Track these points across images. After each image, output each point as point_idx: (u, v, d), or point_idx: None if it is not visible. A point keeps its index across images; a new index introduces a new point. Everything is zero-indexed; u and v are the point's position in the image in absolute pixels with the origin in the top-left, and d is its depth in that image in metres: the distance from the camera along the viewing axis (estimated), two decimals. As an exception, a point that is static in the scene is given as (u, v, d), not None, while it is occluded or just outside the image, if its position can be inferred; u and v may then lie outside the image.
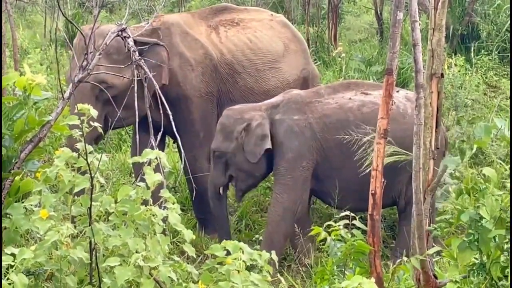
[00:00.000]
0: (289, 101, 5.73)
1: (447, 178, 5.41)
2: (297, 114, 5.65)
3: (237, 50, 6.42)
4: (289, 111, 5.67)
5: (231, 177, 5.79)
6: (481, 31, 10.42)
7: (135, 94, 5.59)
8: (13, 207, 3.46)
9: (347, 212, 4.13)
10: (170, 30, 6.18)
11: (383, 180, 3.93)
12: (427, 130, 3.64)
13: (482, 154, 7.01)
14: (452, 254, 3.56)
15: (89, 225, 3.40)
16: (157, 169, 3.59)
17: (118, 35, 5.58)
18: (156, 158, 3.56)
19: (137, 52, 5.72)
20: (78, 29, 5.29)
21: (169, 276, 3.38)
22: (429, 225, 3.69)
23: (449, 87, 7.72)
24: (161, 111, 5.68)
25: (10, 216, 3.45)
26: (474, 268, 3.46)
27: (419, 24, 3.73)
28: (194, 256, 3.75)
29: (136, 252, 3.35)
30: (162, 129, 5.63)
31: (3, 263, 3.12)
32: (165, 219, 3.51)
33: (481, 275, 3.44)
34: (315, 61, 10.39)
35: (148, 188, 3.49)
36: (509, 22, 10.06)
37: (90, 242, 3.40)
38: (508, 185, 3.50)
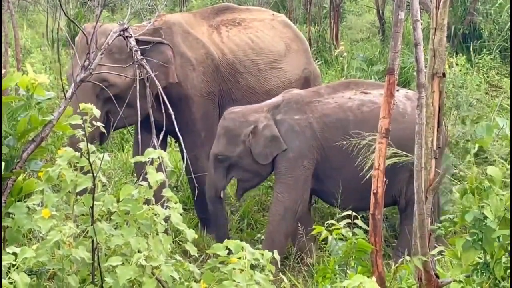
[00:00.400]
0: (290, 101, 5.73)
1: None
2: (298, 113, 5.65)
3: (238, 50, 6.42)
4: (290, 111, 5.67)
5: (231, 179, 5.80)
6: (483, 30, 10.42)
7: (137, 94, 5.59)
8: (16, 207, 3.46)
9: (349, 212, 4.13)
10: (172, 29, 6.18)
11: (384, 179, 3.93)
12: (428, 129, 3.63)
13: (483, 153, 7.01)
14: (456, 254, 3.56)
15: (91, 225, 3.40)
16: (159, 169, 3.59)
17: (120, 35, 5.58)
18: (158, 157, 3.56)
19: (139, 52, 5.71)
20: (80, 28, 5.29)
21: (171, 276, 3.38)
22: (431, 225, 3.69)
23: (451, 87, 7.71)
24: (163, 111, 5.68)
25: (13, 216, 3.45)
26: (477, 267, 3.45)
27: (421, 24, 3.72)
28: (196, 255, 3.76)
29: (138, 251, 3.35)
30: (164, 128, 5.63)
31: (5, 262, 3.13)
32: (167, 219, 3.51)
33: (484, 274, 3.44)
34: (317, 60, 10.39)
35: (150, 187, 3.49)
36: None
37: (92, 242, 3.40)
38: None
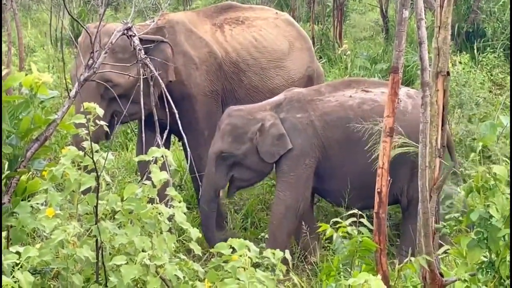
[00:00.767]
0: (292, 99, 5.73)
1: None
2: (300, 112, 5.66)
3: (242, 48, 6.41)
4: (292, 109, 5.68)
5: (232, 178, 5.77)
6: (487, 28, 10.40)
7: (141, 93, 5.59)
8: (20, 206, 3.46)
9: (355, 210, 4.12)
10: (175, 28, 6.18)
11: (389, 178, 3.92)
12: (433, 128, 3.63)
13: (488, 152, 7.00)
14: (461, 252, 3.56)
15: (95, 224, 3.40)
16: (162, 168, 3.59)
17: (123, 34, 5.58)
18: (162, 156, 3.56)
19: (142, 51, 5.71)
20: (83, 27, 5.29)
21: (175, 274, 3.38)
22: (436, 224, 3.68)
23: (454, 85, 7.70)
24: (167, 110, 5.68)
25: (17, 215, 3.45)
26: (482, 266, 3.45)
27: (425, 22, 3.72)
28: (200, 254, 3.75)
29: (143, 250, 3.35)
30: (168, 127, 5.63)
31: (9, 261, 3.13)
32: (171, 218, 3.51)
33: (489, 273, 3.43)
34: (320, 59, 10.39)
35: (154, 186, 3.49)
36: (514, 19, 10.03)
37: (97, 241, 3.39)
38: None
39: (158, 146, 5.27)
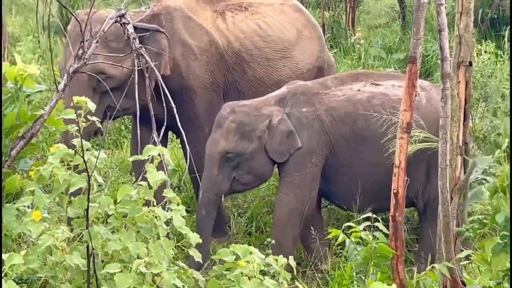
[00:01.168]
0: (296, 92, 5.72)
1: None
2: (305, 106, 5.64)
3: (245, 37, 6.41)
4: (297, 103, 5.66)
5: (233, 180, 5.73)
6: (513, 14, 10.38)
7: (136, 86, 5.60)
8: (4, 209, 3.47)
9: (369, 214, 4.12)
10: (172, 15, 6.18)
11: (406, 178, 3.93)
12: (454, 123, 3.63)
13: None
14: (485, 258, 3.56)
15: (86, 228, 3.41)
16: (159, 167, 3.59)
17: (116, 21, 5.58)
18: (159, 155, 3.57)
19: (137, 40, 5.72)
20: (73, 15, 5.29)
21: (173, 284, 3.40)
22: (458, 227, 3.69)
23: (478, 76, 7.69)
24: (164, 104, 5.68)
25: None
26: (508, 273, 3.45)
27: (445, 8, 3.72)
28: (201, 261, 3.76)
29: (138, 257, 3.36)
30: (165, 123, 5.64)
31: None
32: (169, 222, 3.52)
33: (516, 281, 3.44)
34: (331, 48, 10.37)
35: (150, 187, 3.50)
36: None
37: (88, 247, 3.41)
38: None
39: (154, 143, 5.27)
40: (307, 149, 5.58)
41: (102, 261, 3.50)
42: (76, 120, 3.44)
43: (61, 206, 3.52)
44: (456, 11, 3.60)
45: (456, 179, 3.73)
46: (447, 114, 3.62)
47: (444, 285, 3.72)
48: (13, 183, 3.64)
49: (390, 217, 3.96)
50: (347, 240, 4.15)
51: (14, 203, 3.51)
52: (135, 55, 5.68)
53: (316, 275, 5.64)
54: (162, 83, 5.72)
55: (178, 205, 3.58)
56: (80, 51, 4.01)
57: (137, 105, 5.60)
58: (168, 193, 3.58)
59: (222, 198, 5.74)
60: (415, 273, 4.63)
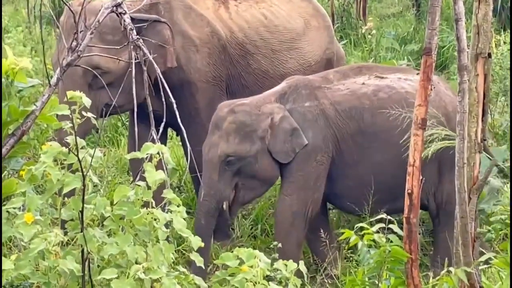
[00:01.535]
0: (297, 87, 5.70)
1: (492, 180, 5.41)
2: (308, 100, 5.62)
3: (249, 27, 6.41)
4: (298, 98, 5.64)
5: (236, 189, 5.69)
6: (535, 2, 10.38)
7: (133, 80, 5.60)
8: (-6, 211, 3.47)
9: (383, 215, 4.11)
10: (171, 4, 6.18)
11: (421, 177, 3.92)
12: (472, 119, 3.63)
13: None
14: (507, 262, 3.55)
15: (81, 231, 3.41)
16: (158, 166, 3.59)
17: (112, 11, 5.58)
18: (158, 153, 3.56)
19: (134, 31, 5.71)
20: (66, 4, 5.29)
21: (173, 290, 3.40)
22: (475, 229, 3.68)
23: (497, 69, 7.68)
24: (163, 99, 5.68)
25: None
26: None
27: (463, -4, 3.72)
28: (203, 266, 3.76)
29: (136, 262, 3.36)
30: (164, 119, 5.63)
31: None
32: (168, 224, 3.52)
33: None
34: (341, 39, 10.38)
35: (149, 188, 3.50)
36: None
37: (83, 251, 3.41)
38: None
39: (153, 141, 5.28)
40: (312, 146, 5.56)
41: (98, 266, 3.50)
42: (70, 116, 3.44)
43: (54, 208, 3.52)
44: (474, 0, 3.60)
45: (474, 178, 3.72)
46: (465, 109, 3.61)
47: (461, 291, 3.72)
48: (10, 186, 3.63)
49: (404, 219, 3.95)
50: (360, 243, 4.13)
51: (4, 205, 3.51)
52: (132, 47, 5.68)
53: (326, 280, 5.63)
54: (161, 77, 5.72)
55: (178, 206, 3.57)
56: (74, 43, 4.00)
57: (135, 101, 5.60)
58: (168, 194, 3.58)
59: (224, 206, 5.66)
60: (431, 278, 4.63)
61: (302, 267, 3.73)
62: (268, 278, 3.59)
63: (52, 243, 3.30)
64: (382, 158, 5.43)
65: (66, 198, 3.50)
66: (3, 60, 3.64)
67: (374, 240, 4.08)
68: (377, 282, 4.10)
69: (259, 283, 3.48)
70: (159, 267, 3.39)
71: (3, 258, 3.24)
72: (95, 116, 3.65)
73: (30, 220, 3.33)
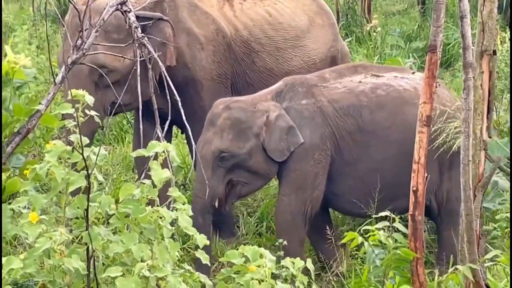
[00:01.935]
0: (294, 85, 5.68)
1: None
2: (305, 98, 5.60)
3: (254, 25, 6.41)
4: (295, 96, 5.62)
5: (229, 183, 5.67)
6: (540, -1, 10.36)
7: (138, 77, 5.60)
8: (-1, 209, 3.47)
9: (387, 213, 4.10)
10: (176, 2, 6.17)
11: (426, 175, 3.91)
12: (477, 116, 3.62)
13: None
14: (512, 259, 3.55)
15: (86, 230, 3.41)
16: (164, 164, 3.59)
17: (117, 9, 5.57)
18: (164, 151, 3.56)
19: (139, 29, 5.71)
20: (71, 2, 5.30)
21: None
22: (480, 227, 3.68)
23: (503, 66, 7.66)
24: (168, 97, 5.67)
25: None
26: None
27: (468, -7, 3.71)
28: (208, 264, 3.76)
29: (141, 260, 3.36)
30: (169, 117, 5.63)
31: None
32: (174, 222, 3.51)
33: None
34: (346, 37, 10.37)
35: (154, 186, 3.49)
36: None
37: (88, 249, 3.41)
38: None
39: (158, 139, 5.28)
40: (309, 144, 5.52)
41: (103, 264, 3.49)
42: (75, 114, 3.43)
43: (59, 207, 3.51)
44: (479, -4, 3.59)
45: (479, 176, 3.72)
46: (470, 107, 3.60)
47: (467, 288, 3.72)
48: (14, 186, 3.63)
49: (409, 216, 3.95)
50: (366, 244, 4.12)
51: (10, 203, 3.51)
52: (137, 45, 5.68)
53: (331, 278, 5.63)
54: (166, 75, 5.72)
55: (183, 204, 3.57)
56: (79, 41, 4.00)
57: (140, 99, 5.60)
58: (174, 192, 3.57)
59: (216, 204, 5.60)
60: (436, 275, 4.63)
61: (310, 265, 3.72)
62: (273, 276, 3.59)
63: (57, 242, 3.29)
64: (381, 156, 5.41)
65: (71, 197, 3.49)
66: (4, 61, 3.64)
67: (380, 241, 4.08)
68: (383, 279, 4.10)
69: (265, 281, 3.47)
70: (164, 265, 3.39)
71: (11, 257, 3.24)
72: (99, 115, 3.64)
73: (35, 219, 3.32)
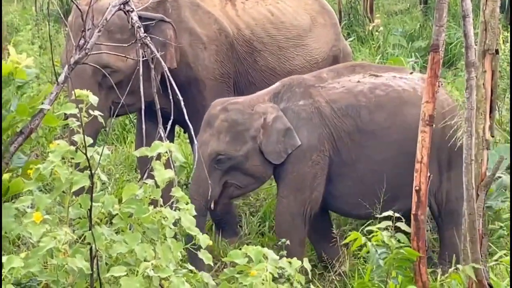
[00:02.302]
0: (291, 85, 5.65)
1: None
2: (302, 98, 5.57)
3: (256, 24, 6.40)
4: (293, 96, 5.59)
5: (225, 185, 5.65)
6: (543, -2, 10.35)
7: (141, 77, 5.60)
8: (3, 209, 3.47)
9: (390, 212, 4.09)
10: (179, 2, 6.17)
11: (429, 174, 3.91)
12: (479, 115, 3.62)
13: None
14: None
15: (90, 230, 3.41)
16: (167, 164, 3.59)
17: (120, 9, 5.57)
18: (166, 151, 3.56)
19: (142, 29, 5.71)
20: (74, 2, 5.30)
21: (182, 288, 3.40)
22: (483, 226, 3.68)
23: (505, 65, 7.66)
24: (171, 96, 5.68)
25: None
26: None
27: (470, -8, 3.70)
28: (211, 264, 3.76)
29: (144, 260, 3.36)
30: (171, 117, 5.63)
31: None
32: (177, 222, 3.52)
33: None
34: (348, 36, 10.36)
35: (157, 186, 3.50)
36: None
37: (91, 249, 3.41)
38: None
39: (160, 138, 5.28)
40: (307, 145, 5.49)
41: (106, 264, 3.50)
42: (78, 115, 3.43)
43: (63, 206, 3.52)
44: (481, -4, 3.59)
45: (482, 175, 3.72)
46: (472, 106, 3.60)
47: (469, 287, 3.71)
48: (18, 186, 3.63)
49: (412, 216, 3.95)
50: (369, 244, 4.12)
51: (13, 202, 3.51)
52: (139, 45, 5.68)
53: (334, 278, 5.62)
54: (169, 74, 5.72)
55: (186, 204, 3.57)
56: (82, 41, 4.00)
57: (142, 99, 5.60)
58: (176, 192, 3.57)
59: (212, 206, 5.59)
60: (439, 275, 4.63)
61: (306, 264, 3.72)
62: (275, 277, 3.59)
63: (60, 241, 3.29)
64: (380, 156, 5.40)
65: (74, 197, 3.49)
66: (5, 64, 3.65)
67: (382, 241, 4.07)
68: (386, 279, 4.10)
69: (266, 282, 3.47)
70: (167, 265, 3.39)
71: (12, 256, 3.24)
72: (102, 115, 3.64)
73: (39, 219, 3.32)
